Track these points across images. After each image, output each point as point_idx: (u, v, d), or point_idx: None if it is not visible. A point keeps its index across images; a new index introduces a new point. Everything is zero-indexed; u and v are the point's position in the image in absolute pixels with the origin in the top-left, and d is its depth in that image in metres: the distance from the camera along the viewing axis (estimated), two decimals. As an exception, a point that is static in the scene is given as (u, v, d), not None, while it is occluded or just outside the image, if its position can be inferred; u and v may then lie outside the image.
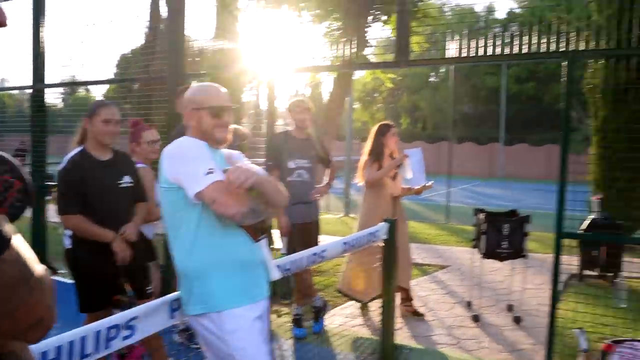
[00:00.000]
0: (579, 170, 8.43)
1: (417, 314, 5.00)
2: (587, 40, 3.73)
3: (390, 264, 3.58)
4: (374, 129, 5.06)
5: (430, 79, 37.80)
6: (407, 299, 5.07)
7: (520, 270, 5.44)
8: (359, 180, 5.03)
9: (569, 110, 3.26)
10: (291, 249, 4.07)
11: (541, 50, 3.45)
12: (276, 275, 2.25)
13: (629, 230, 7.52)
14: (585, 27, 4.05)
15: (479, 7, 34.49)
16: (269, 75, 5.23)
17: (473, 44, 3.76)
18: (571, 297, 5.63)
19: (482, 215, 4.85)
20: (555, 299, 3.32)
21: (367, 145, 5.01)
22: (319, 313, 4.50)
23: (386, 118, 5.30)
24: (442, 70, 34.04)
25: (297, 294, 4.53)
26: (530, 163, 27.94)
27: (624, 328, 4.46)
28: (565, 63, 3.24)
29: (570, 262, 6.14)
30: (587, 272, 6.24)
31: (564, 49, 3.40)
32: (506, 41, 3.76)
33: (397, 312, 5.01)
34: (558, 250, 3.27)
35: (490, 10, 36.74)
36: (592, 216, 4.16)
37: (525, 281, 5.50)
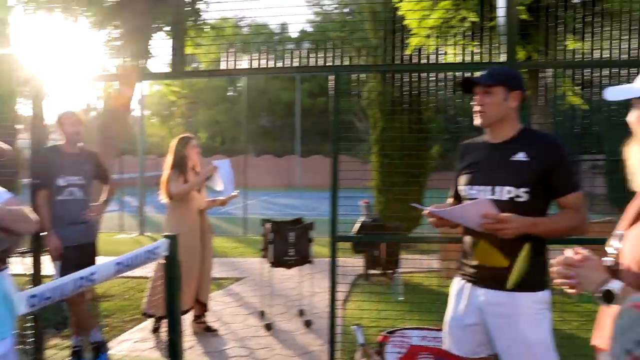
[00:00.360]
0: (366, 177, 9.13)
1: (209, 330, 4.92)
2: (359, 57, 4.05)
3: (173, 281, 3.45)
4: (173, 142, 4.88)
5: (228, 93, 38.10)
6: (201, 315, 4.97)
7: (309, 275, 5.69)
8: (162, 196, 4.79)
9: (338, 122, 3.49)
10: (65, 274, 3.70)
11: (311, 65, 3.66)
12: (22, 309, 1.99)
13: (407, 230, 8.36)
14: (355, 45, 4.43)
15: (275, 24, 35.84)
16: (37, 84, 4.75)
17: (256, 57, 3.86)
18: (357, 296, 6.06)
19: (268, 225, 4.97)
20: (334, 299, 3.51)
21: (169, 159, 4.82)
22: (98, 349, 4.14)
23: (185, 132, 5.21)
24: (240, 84, 34.56)
25: (74, 324, 4.14)
26: (324, 173, 29.54)
27: (401, 319, 4.91)
28: (332, 77, 3.47)
29: (357, 263, 6.62)
30: (372, 271, 6.78)
31: (332, 64, 3.64)
32: (290, 56, 3.92)
33: (190, 329, 4.89)
34: (334, 253, 3.46)
35: (283, 27, 38.37)
36: (362, 219, 4.55)
37: (314, 285, 5.76)
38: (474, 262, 2.39)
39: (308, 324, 5.11)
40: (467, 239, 2.44)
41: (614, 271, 1.54)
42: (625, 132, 1.78)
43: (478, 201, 2.23)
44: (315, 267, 5.38)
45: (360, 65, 4.02)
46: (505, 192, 2.29)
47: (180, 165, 4.73)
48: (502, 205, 2.24)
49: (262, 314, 5.36)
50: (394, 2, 6.76)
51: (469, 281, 2.43)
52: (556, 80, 6.78)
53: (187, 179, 4.72)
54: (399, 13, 6.52)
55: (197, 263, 4.72)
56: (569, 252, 1.57)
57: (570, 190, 2.29)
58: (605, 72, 4.33)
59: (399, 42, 6.74)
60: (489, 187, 2.32)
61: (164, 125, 36.28)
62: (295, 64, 3.90)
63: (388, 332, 3.80)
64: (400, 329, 3.84)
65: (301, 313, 5.44)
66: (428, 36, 6.15)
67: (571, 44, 5.33)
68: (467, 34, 5.38)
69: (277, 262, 4.98)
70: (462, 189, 2.45)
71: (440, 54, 5.61)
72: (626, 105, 1.61)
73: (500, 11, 3.61)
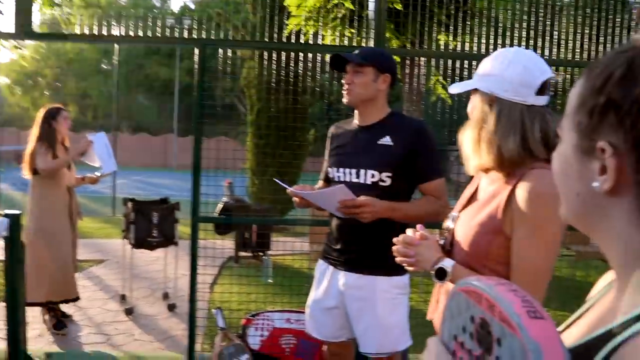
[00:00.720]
0: (241, 158, 9.00)
1: (64, 316, 4.58)
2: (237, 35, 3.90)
3: (14, 264, 3.15)
4: (41, 113, 4.38)
5: (102, 66, 35.84)
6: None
7: (175, 257, 5.50)
8: (26, 171, 4.31)
9: (202, 99, 3.35)
10: None
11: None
12: None
13: (281, 213, 8.38)
14: (233, 23, 4.29)
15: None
16: None
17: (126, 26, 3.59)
18: (226, 278, 5.95)
19: (130, 205, 4.71)
20: (194, 282, 3.39)
21: (35, 132, 4.33)
22: None
23: (53, 103, 4.72)
24: (116, 58, 32.69)
25: None
26: (202, 153, 28.96)
27: (269, 302, 4.89)
28: (197, 51, 3.30)
29: (228, 245, 6.50)
30: (242, 254, 6.70)
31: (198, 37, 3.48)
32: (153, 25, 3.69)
33: (41, 315, 4.52)
34: (195, 235, 3.34)
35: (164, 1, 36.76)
36: (224, 199, 4.46)
37: (181, 268, 5.58)
38: (337, 246, 2.39)
39: (172, 307, 4.94)
40: (332, 220, 2.44)
41: (448, 251, 1.62)
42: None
43: (333, 188, 2.20)
44: (182, 248, 5.20)
45: (229, 40, 3.90)
46: (369, 176, 2.29)
47: (48, 138, 4.30)
48: (365, 189, 2.25)
49: (123, 298, 5.09)
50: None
51: (331, 264, 2.43)
52: (429, 70, 7.10)
53: (56, 154, 4.30)
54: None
55: (67, 247, 4.34)
56: (409, 231, 1.63)
57: (433, 176, 2.30)
58: (473, 65, 4.56)
59: (277, 23, 6.69)
60: (354, 170, 2.32)
61: (27, 96, 33.48)
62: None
63: (251, 315, 3.76)
64: (264, 312, 3.82)
65: (165, 296, 5.24)
66: (307, 19, 6.15)
67: (441, 38, 5.58)
68: (344, 19, 5.44)
69: (140, 244, 4.74)
70: (329, 170, 2.44)
71: (316, 38, 5.64)
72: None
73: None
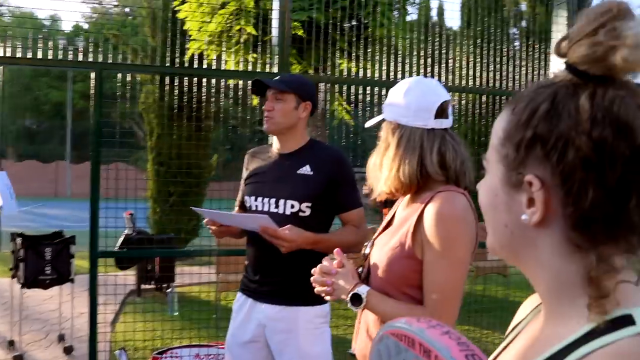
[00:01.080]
0: (143, 186, 8.63)
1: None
2: (136, 58, 3.74)
3: None
4: None
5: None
6: None
7: (71, 295, 5.12)
8: None
9: (100, 124, 3.17)
10: None
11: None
12: None
13: (184, 242, 8.10)
14: (131, 45, 4.13)
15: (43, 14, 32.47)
16: None
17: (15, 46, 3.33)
18: (129, 315, 5.62)
19: (19, 240, 4.34)
20: (94, 322, 3.16)
21: None
22: None
23: None
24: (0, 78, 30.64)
25: None
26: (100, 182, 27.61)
27: (176, 337, 4.66)
28: (93, 75, 3.13)
29: (129, 278, 6.16)
30: (145, 286, 6.37)
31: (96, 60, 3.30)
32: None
33: None
34: (94, 271, 3.12)
35: (54, 19, 34.99)
36: (126, 232, 4.23)
37: (78, 306, 5.20)
38: (256, 277, 2.32)
39: (68, 350, 4.58)
40: (250, 252, 2.36)
41: (365, 278, 1.62)
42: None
43: (256, 216, 2.14)
44: (79, 284, 4.85)
45: (128, 64, 3.74)
46: (289, 206, 2.24)
47: None
48: (285, 219, 2.19)
49: (11, 344, 4.65)
50: (174, 5, 6.53)
51: (250, 296, 2.34)
52: (327, 95, 7.21)
53: None
54: (179, 16, 6.32)
55: None
56: (326, 261, 1.62)
57: (353, 206, 2.30)
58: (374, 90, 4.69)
59: (179, 47, 6.54)
60: (273, 200, 2.26)
61: None
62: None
63: (158, 353, 3.57)
64: (171, 348, 3.63)
65: (61, 338, 4.85)
66: (208, 43, 6.05)
67: (343, 63, 5.70)
68: (247, 44, 5.41)
69: (31, 282, 4.37)
70: (247, 199, 2.36)
71: (219, 62, 5.56)
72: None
73: (275, 24, 3.66)
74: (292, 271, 2.23)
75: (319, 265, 1.61)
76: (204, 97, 7.46)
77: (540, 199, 0.64)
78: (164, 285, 6.17)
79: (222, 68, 5.09)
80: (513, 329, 0.83)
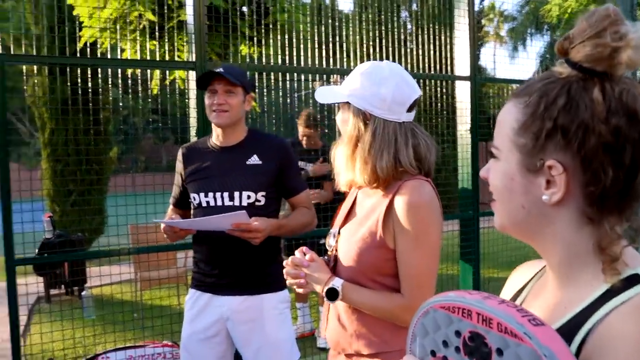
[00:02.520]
0: (35, 187, 8.05)
1: None
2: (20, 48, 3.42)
3: None
4: None
5: None
6: None
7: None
8: None
9: (5, 121, 2.93)
10: None
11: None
12: None
13: (89, 242, 7.68)
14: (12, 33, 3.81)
15: None
16: None
17: None
18: (41, 324, 5.23)
19: None
20: (17, 336, 2.94)
21: None
22: None
23: None
24: None
25: None
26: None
27: (98, 342, 4.43)
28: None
29: (36, 283, 5.73)
30: (55, 292, 6.00)
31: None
32: None
33: None
34: (13, 281, 2.89)
35: None
36: (46, 236, 3.93)
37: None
38: (214, 271, 2.28)
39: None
40: (202, 247, 2.31)
41: (332, 268, 1.62)
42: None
43: (233, 215, 2.10)
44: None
45: (28, 55, 3.45)
46: (245, 197, 2.25)
47: None
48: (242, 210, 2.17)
49: None
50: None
51: (207, 291, 2.32)
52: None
53: None
54: (68, 1, 5.89)
55: None
56: (297, 254, 1.62)
57: (302, 189, 2.40)
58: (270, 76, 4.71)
59: (68, 35, 6.09)
60: (226, 193, 2.26)
61: None
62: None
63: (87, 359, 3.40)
64: (100, 354, 3.47)
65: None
66: (102, 30, 5.70)
67: (244, 49, 5.61)
68: (144, 31, 5.16)
69: None
70: (195, 196, 2.30)
71: (115, 53, 5.25)
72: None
73: (189, 9, 3.54)
74: (252, 260, 2.25)
75: (290, 258, 1.60)
76: (100, 88, 7.08)
77: (562, 180, 0.74)
78: (75, 288, 5.84)
79: (119, 57, 4.85)
80: (514, 297, 0.91)
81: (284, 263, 1.62)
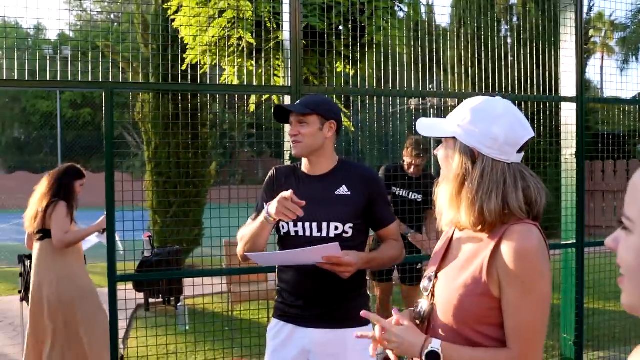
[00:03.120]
0: (137, 197, 8.51)
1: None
2: (129, 73, 3.66)
3: None
4: (58, 169, 4.05)
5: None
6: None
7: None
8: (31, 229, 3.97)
9: (111, 144, 3.10)
10: None
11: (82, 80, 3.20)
12: None
13: (187, 252, 8.00)
14: (125, 57, 4.05)
15: (26, 24, 32.09)
16: None
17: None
18: (139, 330, 5.52)
19: (29, 263, 4.23)
20: (116, 348, 3.07)
21: (45, 187, 3.93)
22: None
23: None
24: (-15, 91, 30.17)
25: None
26: (92, 191, 27.15)
27: (190, 351, 4.57)
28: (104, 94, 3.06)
29: (134, 291, 6.04)
30: (153, 300, 6.28)
31: (104, 79, 3.22)
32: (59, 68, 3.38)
33: None
34: (114, 296, 3.03)
35: (38, 29, 34.58)
36: (145, 254, 4.13)
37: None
38: (298, 302, 2.26)
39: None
40: (287, 276, 2.30)
41: (424, 318, 1.54)
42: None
43: (326, 247, 2.06)
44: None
45: (135, 83, 3.65)
46: (333, 229, 2.22)
47: (67, 198, 3.98)
48: (328, 243, 2.13)
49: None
50: (169, 13, 6.42)
51: (290, 322, 2.29)
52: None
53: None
54: (174, 25, 6.22)
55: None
56: (387, 321, 1.53)
57: (391, 220, 2.34)
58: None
59: (174, 56, 6.42)
60: (315, 224, 2.22)
61: None
62: (55, 73, 3.38)
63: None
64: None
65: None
66: (205, 52, 5.95)
67: (340, 68, 5.60)
68: (246, 54, 5.31)
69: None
70: (284, 225, 2.28)
71: (215, 72, 5.45)
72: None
73: (286, 35, 3.58)
74: (337, 293, 2.21)
75: (381, 324, 1.52)
76: (199, 104, 7.35)
77: None
78: (172, 299, 6.08)
79: (221, 77, 5.02)
80: None
81: (376, 329, 1.52)
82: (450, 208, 1.50)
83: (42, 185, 4.00)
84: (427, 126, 1.59)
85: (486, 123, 1.45)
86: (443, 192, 1.53)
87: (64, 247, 3.79)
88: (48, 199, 3.89)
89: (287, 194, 2.01)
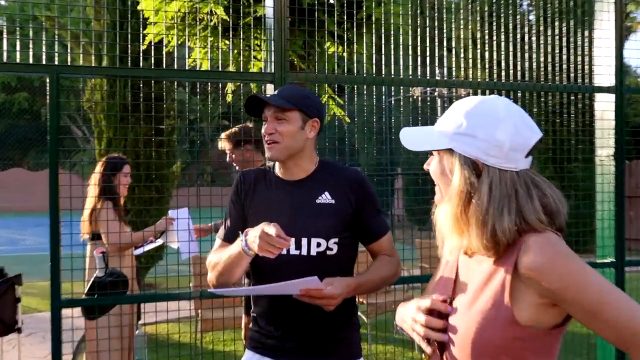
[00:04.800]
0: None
1: None
2: (78, 52, 3.61)
3: None
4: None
5: None
6: None
7: (22, 343, 4.93)
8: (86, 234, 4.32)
9: (55, 131, 3.07)
10: None
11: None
12: None
13: (145, 270, 7.94)
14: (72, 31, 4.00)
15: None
16: None
17: None
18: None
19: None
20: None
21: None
22: None
23: None
24: None
25: None
26: (28, 192, 26.77)
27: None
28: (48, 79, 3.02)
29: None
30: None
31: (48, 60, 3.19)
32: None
33: None
34: (58, 324, 2.98)
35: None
36: (97, 274, 4.03)
37: (28, 356, 5.03)
38: (277, 332, 2.24)
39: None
40: (263, 302, 2.28)
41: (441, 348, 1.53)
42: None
43: (304, 280, 2.01)
44: (29, 327, 4.68)
45: (87, 67, 3.60)
46: (314, 245, 2.18)
47: (112, 197, 4.39)
48: (309, 262, 2.14)
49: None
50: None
51: (268, 355, 2.27)
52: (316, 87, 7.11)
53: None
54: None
55: None
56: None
57: (383, 232, 2.31)
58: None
59: (133, 34, 6.35)
60: (292, 240, 2.12)
61: None
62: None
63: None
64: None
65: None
66: (169, 29, 5.88)
67: (332, 49, 5.56)
68: (220, 32, 5.25)
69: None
70: None
71: (181, 53, 5.38)
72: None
73: (268, 10, 3.55)
74: (322, 322, 2.19)
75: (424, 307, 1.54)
76: (164, 91, 7.28)
77: None
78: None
79: (187, 57, 4.97)
80: None
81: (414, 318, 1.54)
82: (455, 232, 1.49)
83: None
84: (413, 138, 1.59)
85: (487, 128, 1.45)
86: (443, 214, 1.51)
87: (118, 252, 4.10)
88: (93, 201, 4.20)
89: (271, 230, 1.91)
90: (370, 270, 2.29)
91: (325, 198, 2.23)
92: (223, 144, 4.57)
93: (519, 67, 4.64)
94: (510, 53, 4.69)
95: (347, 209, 2.23)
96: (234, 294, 2.20)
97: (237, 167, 4.59)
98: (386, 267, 2.29)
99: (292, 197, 2.25)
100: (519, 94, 4.57)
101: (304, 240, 2.18)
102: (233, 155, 4.52)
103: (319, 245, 2.18)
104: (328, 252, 2.19)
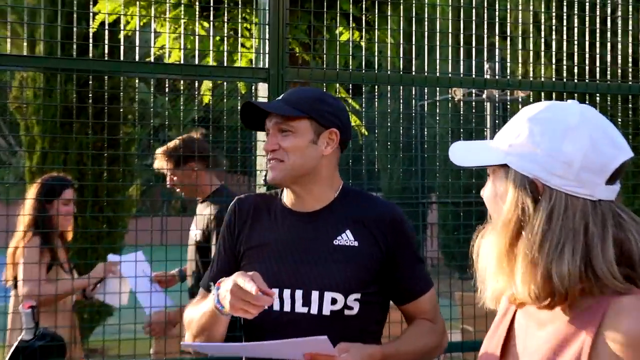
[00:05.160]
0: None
1: None
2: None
3: None
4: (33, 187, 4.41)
5: None
6: None
7: None
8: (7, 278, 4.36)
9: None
10: None
11: None
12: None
13: (90, 330, 7.93)
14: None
15: None
16: None
17: None
18: None
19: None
20: None
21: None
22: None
23: None
24: None
25: None
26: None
27: None
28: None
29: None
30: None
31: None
32: None
33: None
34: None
35: None
36: (24, 336, 4.00)
37: None
38: None
39: None
40: None
41: None
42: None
43: (309, 340, 1.99)
44: None
45: (18, 56, 3.63)
46: (328, 302, 2.17)
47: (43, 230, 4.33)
48: (323, 324, 2.13)
49: None
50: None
51: None
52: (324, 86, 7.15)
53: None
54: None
55: None
56: None
57: (424, 288, 2.29)
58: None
59: (79, 13, 6.39)
60: (299, 293, 2.17)
61: None
62: None
63: None
64: None
65: None
66: (128, 4, 5.91)
67: (345, 36, 5.58)
68: (197, 10, 5.28)
69: None
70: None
71: (145, 37, 5.40)
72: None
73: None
74: None
75: None
76: (120, 88, 7.32)
77: None
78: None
79: (152, 47, 4.98)
80: None
81: None
82: (499, 272, 1.50)
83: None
84: (462, 150, 1.63)
85: (553, 139, 1.46)
86: (488, 248, 1.53)
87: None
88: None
89: (246, 284, 1.87)
90: (404, 337, 2.29)
91: (347, 239, 2.22)
92: (160, 163, 4.56)
93: (599, 63, 4.64)
94: (587, 43, 4.68)
95: (375, 254, 2.22)
96: (217, 351, 2.18)
97: (183, 194, 4.71)
98: (427, 336, 2.28)
99: (300, 236, 2.25)
100: (598, 98, 4.59)
101: (315, 295, 2.17)
102: (175, 178, 4.54)
103: (334, 302, 2.17)
104: (347, 312, 2.18)
